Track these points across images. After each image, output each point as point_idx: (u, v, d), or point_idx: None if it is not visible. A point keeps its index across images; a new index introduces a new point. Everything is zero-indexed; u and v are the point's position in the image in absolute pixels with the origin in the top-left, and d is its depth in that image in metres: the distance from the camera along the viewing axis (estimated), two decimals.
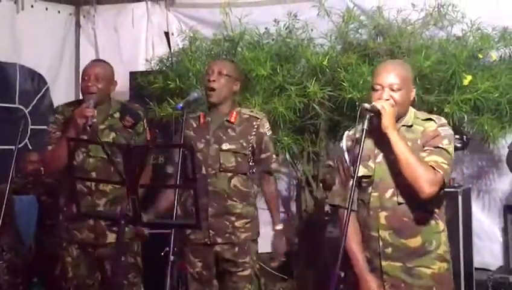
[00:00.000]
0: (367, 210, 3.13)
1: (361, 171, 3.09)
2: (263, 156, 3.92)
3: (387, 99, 3.04)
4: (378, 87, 3.08)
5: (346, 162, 3.22)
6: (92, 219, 3.95)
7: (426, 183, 2.93)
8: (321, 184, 4.66)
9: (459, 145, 4.89)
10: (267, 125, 3.95)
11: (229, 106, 3.89)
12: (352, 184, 2.94)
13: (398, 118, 3.08)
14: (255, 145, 3.88)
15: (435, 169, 2.95)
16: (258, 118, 3.92)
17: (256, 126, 3.88)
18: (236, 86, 3.92)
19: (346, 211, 2.92)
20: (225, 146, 3.82)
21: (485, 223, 5.45)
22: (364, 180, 3.13)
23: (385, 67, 3.19)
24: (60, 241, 4.13)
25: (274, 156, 3.98)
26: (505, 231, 5.34)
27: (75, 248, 4.02)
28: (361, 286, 3.14)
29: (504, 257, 5.41)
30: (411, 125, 3.12)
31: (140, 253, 4.14)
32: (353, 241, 3.14)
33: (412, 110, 3.18)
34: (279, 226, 3.97)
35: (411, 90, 3.13)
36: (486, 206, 5.61)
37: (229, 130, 3.85)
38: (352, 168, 3.11)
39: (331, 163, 4.60)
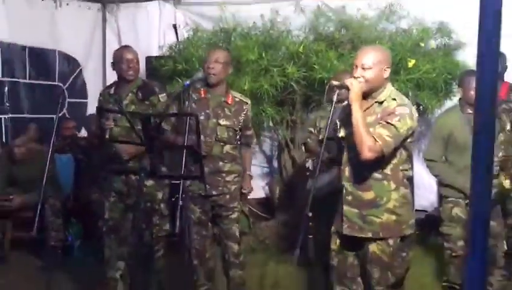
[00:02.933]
0: (342, 165, 3.15)
1: (341, 132, 3.12)
2: (248, 133, 4.05)
3: (357, 77, 2.97)
4: (354, 66, 3.03)
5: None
6: (124, 174, 4.00)
7: (365, 149, 2.89)
8: (303, 147, 4.66)
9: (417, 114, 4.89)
10: (250, 108, 4.06)
11: (224, 87, 3.93)
12: (323, 143, 2.97)
13: (371, 92, 3.01)
14: (242, 124, 3.96)
15: (375, 140, 2.90)
16: (247, 103, 4.00)
17: (245, 110, 3.96)
18: (229, 70, 3.98)
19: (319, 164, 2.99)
20: (222, 122, 3.87)
21: (425, 177, 5.49)
22: (342, 141, 3.15)
23: (362, 50, 3.07)
24: (102, 189, 4.22)
25: (250, 132, 4.09)
26: (439, 182, 5.39)
27: (112, 196, 4.09)
28: None
29: (438, 202, 5.48)
30: (382, 102, 3.02)
31: (166, 200, 4.17)
32: None
33: (389, 89, 3.05)
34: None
35: (383, 71, 2.99)
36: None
37: (225, 109, 3.90)
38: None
39: (311, 129, 4.54)
